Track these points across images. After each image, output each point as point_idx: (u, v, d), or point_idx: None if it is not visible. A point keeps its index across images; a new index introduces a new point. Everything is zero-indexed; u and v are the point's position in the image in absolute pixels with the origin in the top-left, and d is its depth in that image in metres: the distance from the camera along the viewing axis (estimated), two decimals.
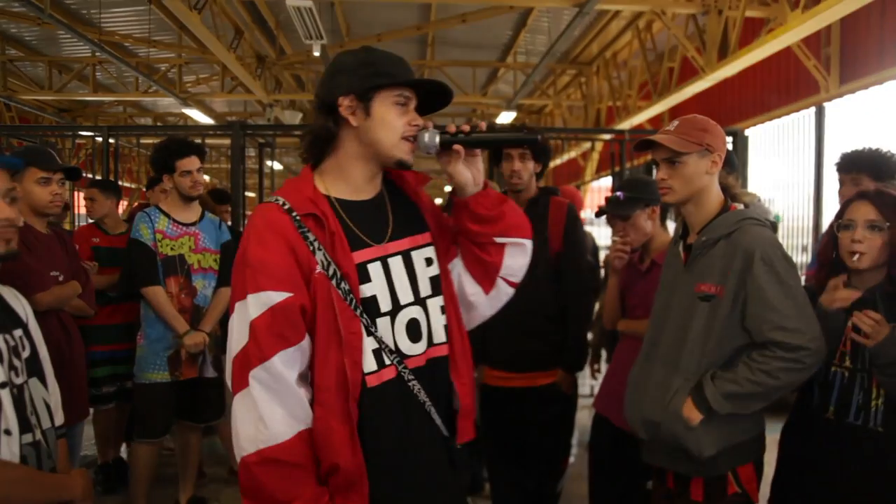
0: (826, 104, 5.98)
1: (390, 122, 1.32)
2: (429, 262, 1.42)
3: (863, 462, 1.74)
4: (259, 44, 8.94)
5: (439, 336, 1.40)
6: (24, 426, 1.38)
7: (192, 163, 3.00)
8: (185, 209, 3.07)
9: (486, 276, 1.48)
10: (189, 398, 3.04)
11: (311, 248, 1.28)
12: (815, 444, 1.82)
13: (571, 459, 4.06)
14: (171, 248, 2.99)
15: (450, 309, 1.43)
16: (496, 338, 2.75)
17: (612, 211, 2.48)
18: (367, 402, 1.28)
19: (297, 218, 1.29)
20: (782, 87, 6.63)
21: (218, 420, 3.29)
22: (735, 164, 3.33)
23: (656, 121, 8.79)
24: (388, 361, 1.31)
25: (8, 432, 1.33)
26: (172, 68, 9.49)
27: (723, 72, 6.12)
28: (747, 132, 6.89)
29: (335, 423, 1.25)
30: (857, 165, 2.58)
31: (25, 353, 1.46)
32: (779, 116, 6.66)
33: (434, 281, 1.41)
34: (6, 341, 1.40)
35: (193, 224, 3.08)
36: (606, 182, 11.29)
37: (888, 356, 1.67)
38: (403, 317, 1.35)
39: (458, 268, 1.50)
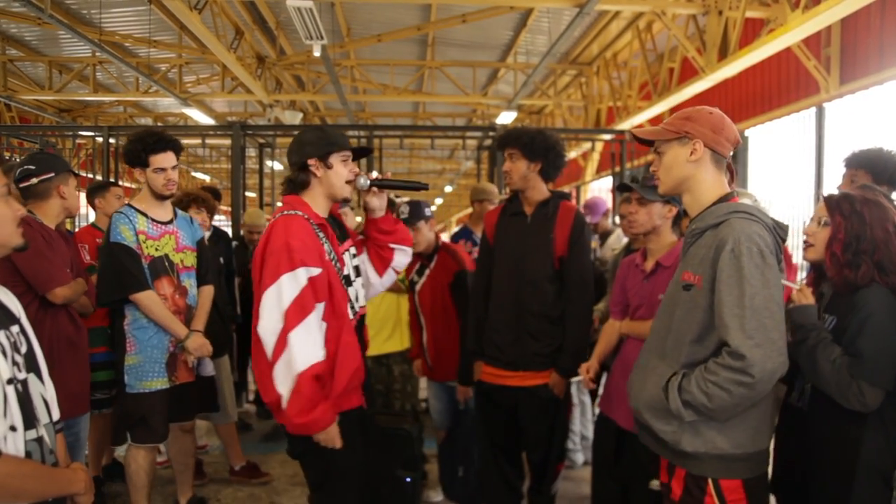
0: (826, 104, 5.99)
1: (340, 172, 2.13)
2: (353, 256, 2.27)
3: (796, 440, 1.92)
4: (259, 44, 8.94)
5: (362, 301, 2.25)
6: (28, 422, 1.39)
7: (166, 159, 2.83)
8: (160, 206, 2.92)
9: (383, 266, 2.37)
10: (183, 399, 2.95)
11: (322, 242, 2.05)
12: (782, 427, 1.99)
13: (581, 458, 4.07)
14: (156, 249, 2.85)
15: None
16: (496, 335, 2.77)
17: (638, 189, 2.44)
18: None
19: (314, 224, 2.07)
20: (782, 87, 6.63)
21: (213, 412, 3.27)
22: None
23: (657, 121, 8.78)
24: (352, 314, 2.14)
25: (13, 428, 1.34)
26: (173, 68, 9.50)
27: (723, 72, 6.13)
28: (747, 132, 6.93)
29: (351, 339, 2.09)
30: (856, 162, 2.61)
31: (23, 349, 1.47)
32: (779, 117, 6.66)
33: (356, 269, 2.27)
34: (7, 337, 1.41)
35: (170, 222, 2.94)
36: (607, 182, 11.30)
37: (794, 319, 1.86)
38: (353, 288, 2.19)
39: (364, 261, 2.35)
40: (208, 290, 3.04)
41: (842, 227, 1.84)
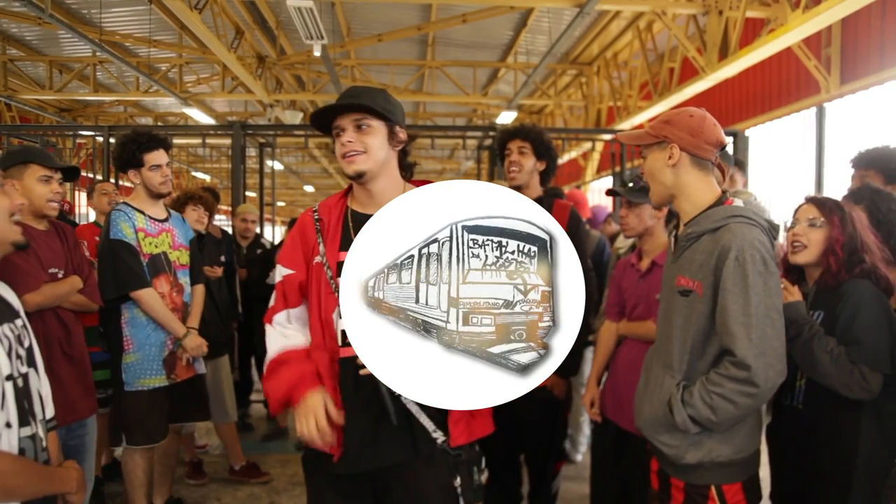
0: (826, 104, 5.99)
1: (337, 151, 1.69)
2: None
3: (794, 439, 1.93)
4: (259, 44, 8.95)
5: None
6: (24, 419, 1.39)
7: (160, 156, 2.85)
8: (156, 205, 2.93)
9: None
10: (179, 399, 2.92)
11: (320, 242, 1.69)
12: (775, 428, 2.02)
13: (580, 458, 4.07)
14: (155, 246, 2.86)
15: None
16: None
17: (624, 194, 2.46)
18: (340, 365, 1.66)
19: (317, 219, 1.73)
20: (783, 87, 6.63)
21: (206, 420, 3.24)
22: (730, 161, 3.31)
23: None
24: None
25: (8, 425, 1.34)
26: (173, 68, 9.50)
27: (723, 72, 6.14)
28: (747, 132, 6.92)
29: (322, 369, 1.64)
30: (866, 162, 2.57)
31: (26, 343, 1.47)
32: (779, 117, 6.67)
33: None
34: (11, 330, 1.41)
35: (166, 220, 2.96)
36: (607, 183, 11.29)
37: (784, 316, 1.81)
38: None
39: None
40: (200, 289, 3.07)
41: (842, 231, 1.89)
